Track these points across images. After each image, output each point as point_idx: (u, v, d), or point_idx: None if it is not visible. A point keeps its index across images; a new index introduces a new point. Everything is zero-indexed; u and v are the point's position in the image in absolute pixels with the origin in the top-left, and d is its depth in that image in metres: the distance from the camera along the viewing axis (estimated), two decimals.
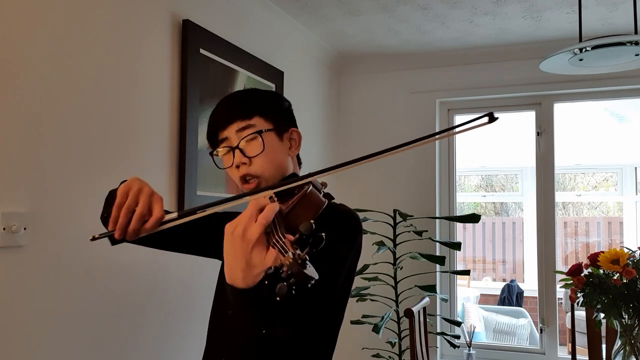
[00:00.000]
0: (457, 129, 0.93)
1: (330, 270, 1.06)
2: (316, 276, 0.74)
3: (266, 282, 0.75)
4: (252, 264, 0.82)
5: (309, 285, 0.73)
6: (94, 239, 1.06)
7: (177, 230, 1.23)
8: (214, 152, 1.21)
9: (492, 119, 0.90)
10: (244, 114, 1.16)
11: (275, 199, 0.94)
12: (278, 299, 0.72)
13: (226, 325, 1.15)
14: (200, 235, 1.30)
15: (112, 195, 1.16)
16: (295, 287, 0.73)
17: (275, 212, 0.86)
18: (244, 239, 0.82)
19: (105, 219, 1.14)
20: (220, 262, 1.23)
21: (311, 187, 1.02)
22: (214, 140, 1.20)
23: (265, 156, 1.15)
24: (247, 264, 0.82)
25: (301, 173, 1.25)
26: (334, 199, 1.11)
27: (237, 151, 1.15)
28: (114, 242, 1.06)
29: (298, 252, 0.76)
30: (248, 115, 1.16)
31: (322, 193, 1.07)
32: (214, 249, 1.25)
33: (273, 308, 0.88)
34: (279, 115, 1.22)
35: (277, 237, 0.82)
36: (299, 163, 1.28)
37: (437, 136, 0.97)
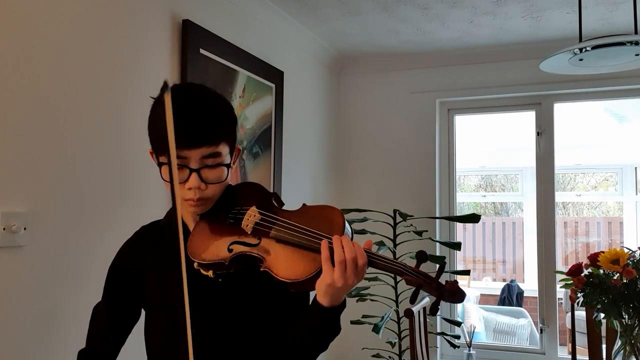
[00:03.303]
0: None
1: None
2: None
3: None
4: (351, 286, 1.02)
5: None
6: None
7: (125, 312, 1.29)
8: (163, 162, 1.12)
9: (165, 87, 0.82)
10: (212, 139, 1.07)
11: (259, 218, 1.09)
12: (431, 314, 1.03)
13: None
14: (133, 300, 1.28)
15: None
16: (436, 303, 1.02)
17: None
18: (360, 271, 1.01)
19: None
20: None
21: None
22: (165, 150, 1.00)
23: (222, 184, 1.12)
24: (349, 288, 1.01)
25: (250, 178, 1.26)
26: (284, 205, 1.15)
27: (194, 174, 1.07)
28: None
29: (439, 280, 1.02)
30: (215, 142, 1.08)
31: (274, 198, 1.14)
32: (141, 300, 1.26)
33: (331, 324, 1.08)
34: (235, 135, 1.16)
35: (414, 274, 1.01)
36: None
37: None
